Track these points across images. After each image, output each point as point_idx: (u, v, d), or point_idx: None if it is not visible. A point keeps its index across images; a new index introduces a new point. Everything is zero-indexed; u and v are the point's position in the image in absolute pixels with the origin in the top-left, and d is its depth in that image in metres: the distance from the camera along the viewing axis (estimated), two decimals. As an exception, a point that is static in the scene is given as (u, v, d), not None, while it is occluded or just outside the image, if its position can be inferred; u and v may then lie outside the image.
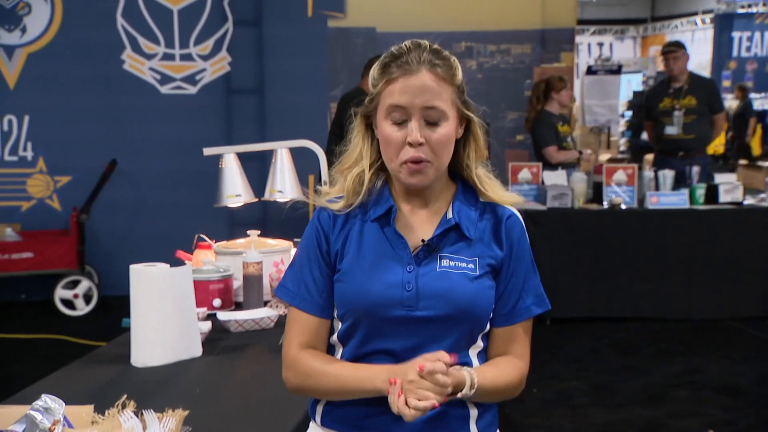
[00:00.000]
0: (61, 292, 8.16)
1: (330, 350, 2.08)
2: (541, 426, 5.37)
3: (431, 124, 1.90)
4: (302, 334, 2.04)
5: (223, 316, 3.58)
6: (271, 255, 4.12)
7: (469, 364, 2.00)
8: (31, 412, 1.99)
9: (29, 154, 8.79)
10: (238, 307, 3.88)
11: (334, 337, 2.08)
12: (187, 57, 8.89)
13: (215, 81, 8.93)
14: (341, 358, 2.06)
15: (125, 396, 2.24)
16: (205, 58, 8.90)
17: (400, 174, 1.95)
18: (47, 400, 2.03)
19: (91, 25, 8.70)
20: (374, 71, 2.00)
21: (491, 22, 9.11)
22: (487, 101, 8.83)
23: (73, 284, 8.19)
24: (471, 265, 1.97)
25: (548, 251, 7.35)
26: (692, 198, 7.88)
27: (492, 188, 2.03)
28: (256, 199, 4.17)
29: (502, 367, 2.01)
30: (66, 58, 8.70)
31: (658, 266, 7.81)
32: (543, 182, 7.81)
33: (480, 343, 2.05)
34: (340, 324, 2.05)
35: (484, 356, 2.06)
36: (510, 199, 2.06)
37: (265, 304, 3.96)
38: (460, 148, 2.04)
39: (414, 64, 1.90)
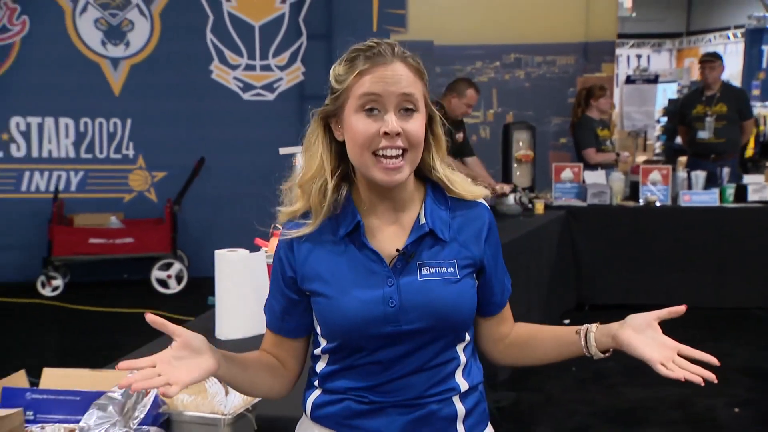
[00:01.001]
0: (156, 273, 8.34)
1: (314, 360, 1.88)
2: (580, 401, 5.38)
3: (406, 115, 1.68)
4: (266, 346, 1.93)
5: None
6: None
7: (457, 359, 1.83)
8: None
9: (131, 153, 8.95)
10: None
11: (318, 350, 1.87)
12: (266, 67, 8.99)
13: (290, 89, 9.02)
14: (326, 367, 1.84)
15: None
16: (282, 68, 9.00)
17: (373, 171, 1.68)
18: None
19: (185, 40, 8.82)
20: (337, 69, 1.77)
21: (538, 35, 9.05)
22: (534, 107, 8.89)
23: (167, 266, 8.34)
24: (451, 269, 1.77)
25: (588, 244, 7.37)
26: (722, 197, 7.80)
27: (459, 184, 1.83)
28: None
29: (533, 326, 2.03)
30: (163, 69, 8.83)
31: (689, 259, 7.74)
32: (584, 181, 7.76)
33: (467, 338, 1.87)
34: (325, 341, 1.83)
35: (470, 349, 1.89)
36: (479, 192, 1.87)
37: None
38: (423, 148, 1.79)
39: (387, 55, 1.68)
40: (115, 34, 8.79)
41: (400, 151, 1.67)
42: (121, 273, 8.53)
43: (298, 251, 1.79)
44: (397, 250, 1.74)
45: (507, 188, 7.00)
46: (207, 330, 3.23)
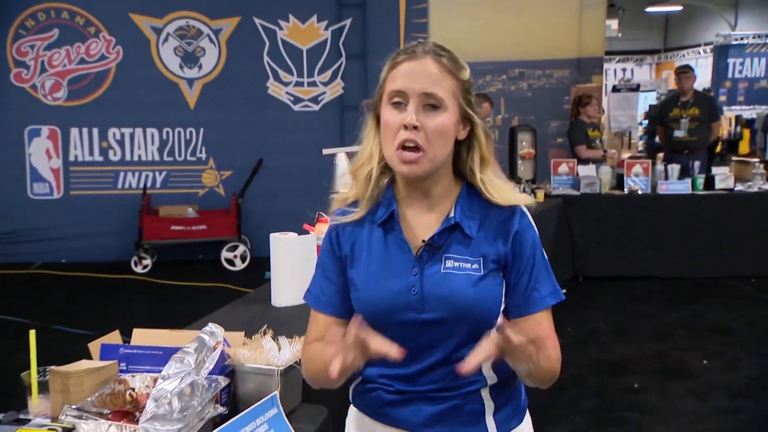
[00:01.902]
0: (225, 254, 8.40)
1: None
2: (574, 355, 5.35)
3: (429, 111, 1.51)
4: (318, 332, 1.71)
5: None
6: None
7: (480, 372, 1.62)
8: (201, 335, 2.03)
9: (203, 156, 9.01)
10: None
11: None
12: (312, 83, 8.99)
13: (332, 101, 9.01)
14: None
15: (266, 326, 2.27)
16: (325, 84, 9.00)
17: (394, 161, 1.55)
18: (212, 327, 2.07)
19: (246, 62, 8.85)
20: (384, 66, 1.64)
21: (538, 53, 8.99)
22: (535, 113, 8.84)
23: (233, 248, 8.39)
24: (476, 265, 1.56)
25: (581, 226, 7.36)
26: (694, 186, 7.85)
27: (498, 192, 1.61)
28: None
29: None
30: (228, 86, 8.86)
31: (666, 237, 7.76)
32: (577, 174, 7.78)
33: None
34: None
35: None
36: (514, 200, 1.62)
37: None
38: (464, 153, 1.63)
39: (419, 52, 1.55)
40: (190, 59, 8.84)
41: (416, 145, 1.50)
42: (197, 254, 8.57)
43: (343, 236, 1.69)
44: (423, 241, 1.59)
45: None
46: (264, 299, 3.28)
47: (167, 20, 8.75)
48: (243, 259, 8.39)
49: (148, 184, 8.87)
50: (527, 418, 1.76)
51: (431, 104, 1.51)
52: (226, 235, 8.37)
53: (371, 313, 1.59)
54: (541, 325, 1.59)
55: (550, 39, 9.03)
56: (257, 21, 8.82)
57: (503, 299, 1.61)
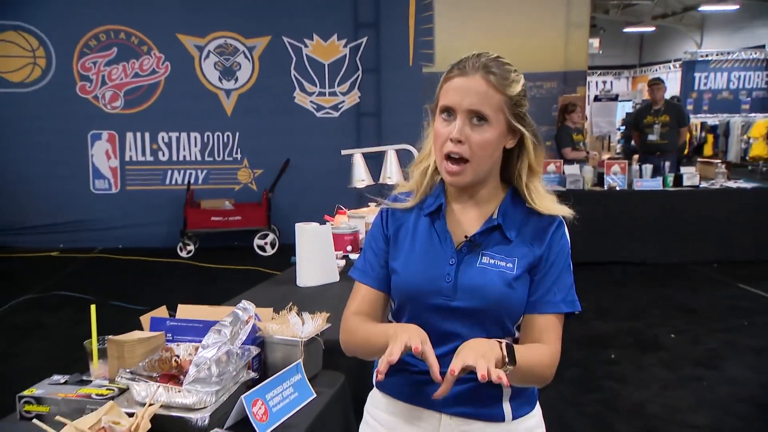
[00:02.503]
0: (257, 241, 8.40)
1: None
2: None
3: (476, 125, 1.42)
4: (360, 303, 1.64)
5: (352, 256, 3.60)
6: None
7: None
8: (236, 310, 2.02)
9: (239, 156, 9.01)
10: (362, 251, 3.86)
11: (390, 315, 1.67)
12: (333, 93, 8.97)
13: (350, 108, 8.98)
14: None
15: (291, 303, 2.27)
16: (344, 94, 8.97)
17: (441, 170, 1.49)
18: (245, 303, 2.06)
19: (276, 75, 8.84)
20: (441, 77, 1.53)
21: (531, 66, 8.90)
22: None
23: (264, 236, 8.39)
24: (510, 265, 1.48)
25: (567, 218, 7.32)
26: (664, 183, 7.86)
27: (540, 200, 1.53)
28: (374, 182, 4.20)
29: (535, 348, 1.48)
30: (261, 96, 8.86)
31: (641, 228, 7.77)
32: (564, 172, 7.79)
33: (516, 334, 1.55)
34: (394, 303, 1.64)
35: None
36: (555, 210, 1.55)
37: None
38: (513, 159, 1.54)
39: (470, 67, 1.44)
40: (227, 72, 8.83)
41: (461, 157, 1.44)
42: (233, 241, 8.54)
43: (392, 219, 1.62)
44: (466, 237, 1.51)
45: None
46: (290, 280, 3.29)
47: (208, 39, 8.75)
48: (272, 245, 8.38)
49: (192, 181, 8.87)
50: (538, 406, 1.66)
51: (477, 119, 1.43)
52: (258, 225, 8.36)
53: (406, 293, 1.56)
54: (547, 327, 1.49)
55: (540, 55, 8.97)
56: (286, 39, 8.80)
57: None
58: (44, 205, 8.60)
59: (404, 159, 4.29)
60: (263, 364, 2.15)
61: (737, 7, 19.44)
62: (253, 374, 2.00)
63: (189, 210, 8.31)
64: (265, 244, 8.37)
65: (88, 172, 8.77)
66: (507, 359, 1.35)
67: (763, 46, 20.61)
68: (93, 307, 2.15)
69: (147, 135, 8.83)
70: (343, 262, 3.49)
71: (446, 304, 1.49)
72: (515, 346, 1.40)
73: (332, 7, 8.81)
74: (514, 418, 1.56)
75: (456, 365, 1.29)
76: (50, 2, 8.45)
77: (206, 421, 1.80)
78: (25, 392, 1.94)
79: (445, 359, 1.46)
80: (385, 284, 1.62)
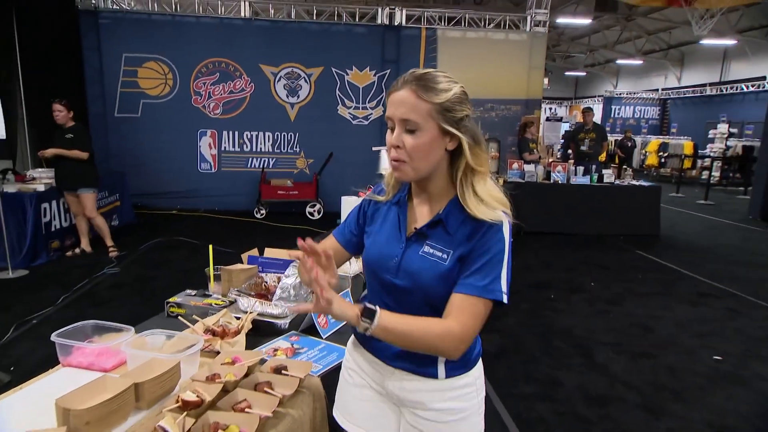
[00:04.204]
0: (308, 209, 8.33)
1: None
2: (517, 280, 5.41)
3: (408, 132, 1.19)
4: (325, 244, 1.45)
5: None
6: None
7: None
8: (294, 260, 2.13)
9: (297, 149, 8.92)
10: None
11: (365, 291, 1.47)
12: (364, 108, 8.88)
13: (376, 119, 8.89)
14: (364, 296, 1.46)
15: None
16: (372, 108, 8.88)
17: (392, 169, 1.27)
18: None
19: (325, 94, 8.75)
20: None
21: (503, 94, 8.84)
22: (499, 131, 8.75)
23: (313, 206, 8.33)
24: (445, 256, 1.22)
25: (524, 201, 7.30)
26: (591, 180, 7.76)
27: (476, 207, 1.21)
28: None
29: (425, 319, 1.17)
30: (314, 108, 8.77)
31: (574, 209, 7.70)
32: (523, 169, 7.73)
33: None
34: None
35: None
36: (483, 216, 1.20)
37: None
38: (455, 161, 1.25)
39: (401, 83, 1.21)
40: (292, 91, 8.75)
41: (400, 159, 1.22)
42: (291, 208, 8.50)
43: (370, 207, 1.42)
44: (415, 228, 1.28)
45: None
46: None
47: (280, 68, 8.69)
48: (318, 212, 8.35)
49: (265, 166, 8.86)
50: (477, 368, 1.36)
51: (408, 127, 1.19)
52: (309, 198, 8.33)
53: (367, 265, 1.36)
54: (458, 305, 1.17)
55: (509, 86, 8.90)
56: (333, 69, 8.74)
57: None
58: (168, 179, 8.66)
59: None
60: None
61: (641, 62, 20.08)
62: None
63: (263, 186, 8.31)
64: (314, 211, 8.35)
65: (196, 158, 8.79)
66: (362, 318, 1.13)
67: (657, 90, 21.05)
68: (210, 247, 2.23)
69: (236, 133, 8.80)
70: None
71: (390, 281, 1.28)
72: (388, 314, 1.16)
73: (366, 47, 8.72)
74: (447, 377, 1.31)
75: (306, 307, 1.15)
76: (177, 42, 8.44)
77: (287, 326, 1.88)
78: (170, 299, 2.01)
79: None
80: (347, 245, 1.44)
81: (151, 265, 5.48)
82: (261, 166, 8.87)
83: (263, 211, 8.34)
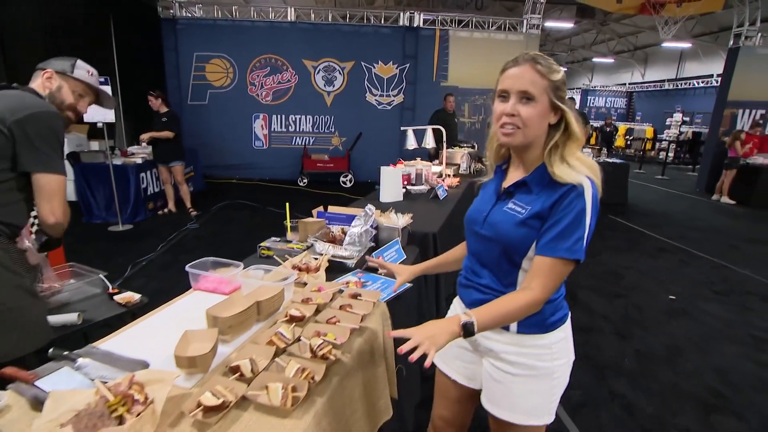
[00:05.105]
0: (341, 179, 8.27)
1: None
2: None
3: (524, 103, 1.11)
4: None
5: (409, 187, 3.52)
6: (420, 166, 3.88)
7: (514, 274, 1.18)
8: (366, 209, 2.06)
9: (333, 129, 8.83)
10: (412, 186, 3.62)
11: None
12: (388, 95, 8.71)
13: (397, 105, 8.72)
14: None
15: (391, 208, 2.30)
16: (394, 96, 8.70)
17: (498, 135, 1.17)
18: (370, 206, 2.10)
19: (355, 84, 8.60)
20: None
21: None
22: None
23: (346, 176, 8.27)
24: (523, 211, 1.14)
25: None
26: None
27: (560, 171, 1.11)
28: (418, 146, 4.08)
29: (511, 300, 1.11)
30: (347, 97, 8.64)
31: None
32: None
33: (522, 265, 1.16)
34: None
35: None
36: (573, 179, 1.09)
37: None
38: (554, 133, 1.15)
39: (521, 60, 1.12)
40: (329, 81, 8.63)
41: (513, 126, 1.13)
42: (328, 178, 8.49)
43: (479, 188, 1.33)
44: (504, 189, 1.22)
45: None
46: (375, 198, 3.19)
47: (320, 62, 8.57)
48: (350, 181, 8.31)
49: (306, 143, 8.82)
50: (556, 334, 1.20)
51: (525, 98, 1.11)
52: (342, 169, 8.28)
53: (465, 221, 1.30)
54: (539, 268, 1.10)
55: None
56: (362, 63, 8.58)
57: (535, 242, 1.14)
58: (229, 153, 8.66)
59: (420, 134, 4.12)
60: (377, 238, 2.17)
61: (613, 60, 19.68)
62: (372, 243, 2.07)
63: (305, 159, 8.28)
64: (346, 180, 8.30)
65: (251, 137, 8.76)
66: (463, 334, 1.08)
67: (625, 84, 20.65)
68: (287, 204, 2.26)
69: (283, 116, 8.74)
70: (404, 189, 3.42)
71: (478, 231, 1.23)
72: (484, 307, 1.11)
73: (390, 45, 8.53)
74: (518, 332, 1.20)
75: (399, 333, 1.06)
76: (236, 42, 8.34)
77: (353, 264, 1.91)
78: (261, 244, 2.02)
79: (479, 274, 1.24)
80: None
81: (222, 222, 5.56)
82: (303, 143, 8.83)
83: (305, 180, 8.33)
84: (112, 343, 1.29)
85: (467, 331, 1.08)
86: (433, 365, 1.02)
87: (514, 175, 1.22)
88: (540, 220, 1.12)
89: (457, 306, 1.37)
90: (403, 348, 1.00)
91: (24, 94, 1.40)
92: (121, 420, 0.91)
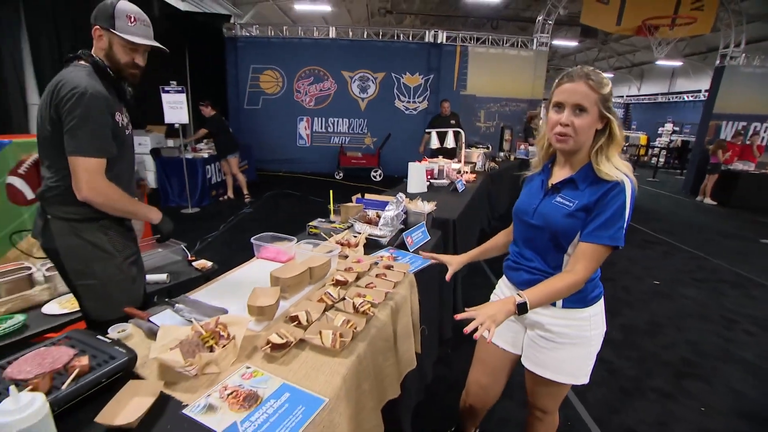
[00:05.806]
0: (372, 174, 8.20)
1: None
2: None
3: (577, 114, 1.11)
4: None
5: (432, 180, 3.44)
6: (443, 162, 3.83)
7: (560, 257, 1.18)
8: (397, 197, 2.05)
9: (365, 131, 8.78)
10: (435, 179, 3.51)
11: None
12: (414, 102, 8.65)
13: (422, 110, 8.63)
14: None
15: (418, 196, 2.28)
16: (419, 102, 8.63)
17: (552, 140, 1.17)
18: (401, 194, 2.09)
19: (386, 92, 8.55)
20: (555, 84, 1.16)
21: (514, 94, 8.48)
22: (511, 121, 8.31)
23: (376, 171, 8.21)
24: (571, 204, 1.14)
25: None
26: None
27: (605, 168, 1.11)
28: (440, 146, 4.02)
29: (558, 281, 1.12)
30: (379, 102, 8.58)
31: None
32: (528, 150, 7.29)
33: (569, 250, 1.16)
34: None
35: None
36: (618, 177, 1.10)
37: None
38: (599, 137, 1.14)
39: (575, 76, 1.10)
40: (363, 89, 8.61)
41: (566, 134, 1.13)
42: (360, 172, 8.44)
43: (525, 181, 1.33)
44: (551, 184, 1.21)
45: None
46: (403, 189, 3.11)
47: (356, 73, 8.56)
48: (380, 176, 8.27)
49: (343, 142, 8.82)
50: (593, 308, 1.21)
51: (579, 110, 1.11)
52: (373, 165, 8.24)
53: (515, 212, 1.28)
54: (583, 252, 1.11)
55: (519, 89, 8.51)
56: (392, 74, 8.53)
57: (579, 232, 1.14)
58: (277, 150, 8.73)
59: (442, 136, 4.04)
60: (406, 222, 2.13)
61: (612, 75, 19.16)
62: (402, 226, 2.04)
63: (341, 156, 8.26)
64: (376, 175, 8.25)
65: (296, 136, 8.82)
66: (518, 312, 1.10)
67: (623, 96, 19.76)
68: (331, 192, 2.30)
69: (323, 119, 8.77)
70: (428, 183, 3.35)
71: (528, 221, 1.22)
72: (535, 288, 1.12)
73: (416, 58, 8.44)
74: (564, 307, 1.20)
75: (465, 315, 1.06)
76: (285, 56, 8.41)
77: (387, 241, 1.93)
78: (310, 223, 2.05)
79: (528, 257, 1.24)
80: None
81: (271, 207, 5.65)
82: (340, 142, 8.83)
83: (341, 174, 8.32)
84: (198, 295, 1.39)
85: (522, 309, 1.10)
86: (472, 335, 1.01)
87: (561, 173, 1.22)
88: (586, 212, 1.13)
89: (503, 286, 1.37)
90: (468, 328, 1.01)
91: (64, 74, 1.22)
92: (211, 349, 1.04)
